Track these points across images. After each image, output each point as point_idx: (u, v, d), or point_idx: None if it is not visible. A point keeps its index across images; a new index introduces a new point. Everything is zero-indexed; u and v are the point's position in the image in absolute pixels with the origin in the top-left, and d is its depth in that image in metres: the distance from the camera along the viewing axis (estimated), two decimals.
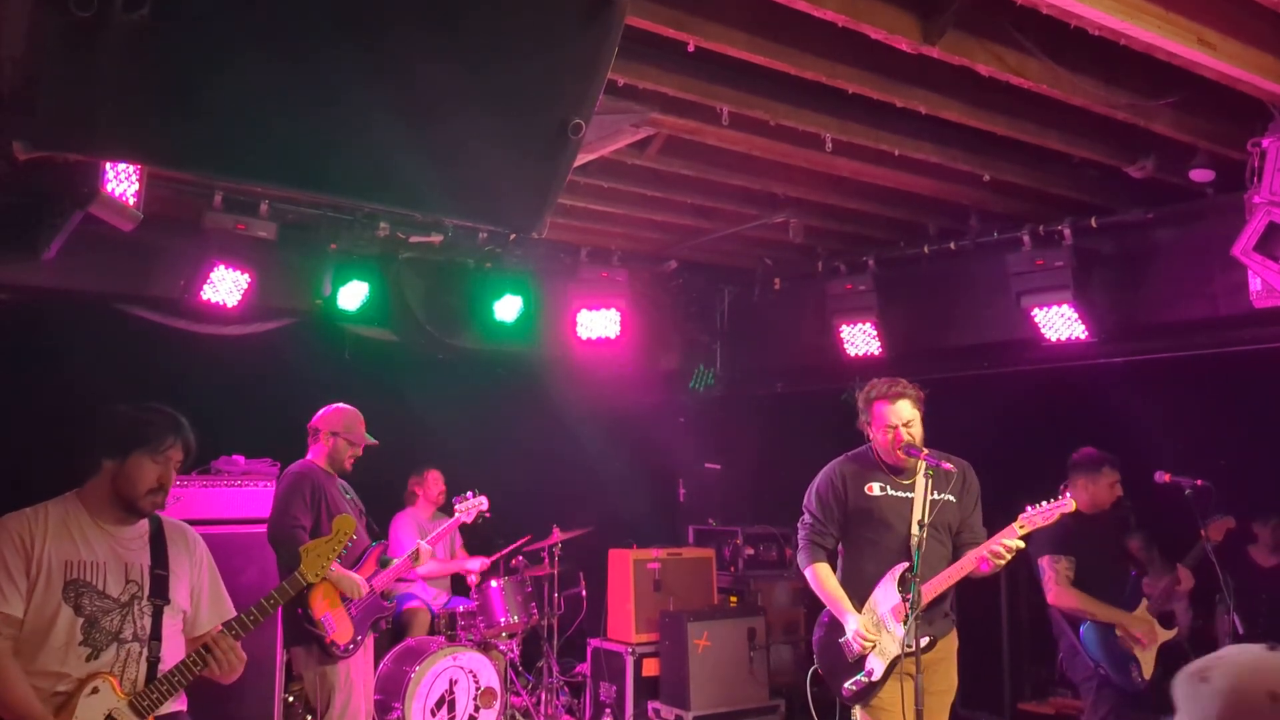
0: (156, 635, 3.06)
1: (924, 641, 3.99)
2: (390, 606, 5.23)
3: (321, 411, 5.09)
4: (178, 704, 3.14)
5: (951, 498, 4.11)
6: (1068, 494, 4.05)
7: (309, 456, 5.04)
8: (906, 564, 4.00)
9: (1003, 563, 3.97)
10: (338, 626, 4.74)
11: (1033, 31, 3.69)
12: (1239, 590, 4.84)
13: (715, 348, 8.35)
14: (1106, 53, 3.68)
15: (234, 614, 3.24)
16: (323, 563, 3.33)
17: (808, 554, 4.19)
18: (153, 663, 3.04)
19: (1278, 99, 4.06)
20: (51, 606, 2.92)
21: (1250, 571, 5.62)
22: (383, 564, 5.07)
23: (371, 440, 5.09)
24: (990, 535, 4.07)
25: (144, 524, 3.17)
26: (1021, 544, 3.96)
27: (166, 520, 3.26)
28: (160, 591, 3.10)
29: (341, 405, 5.10)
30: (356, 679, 4.87)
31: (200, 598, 3.28)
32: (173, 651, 3.11)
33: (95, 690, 2.92)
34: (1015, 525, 3.98)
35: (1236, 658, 1.30)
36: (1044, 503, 4.00)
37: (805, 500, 4.30)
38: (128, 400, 3.23)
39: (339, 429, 5.01)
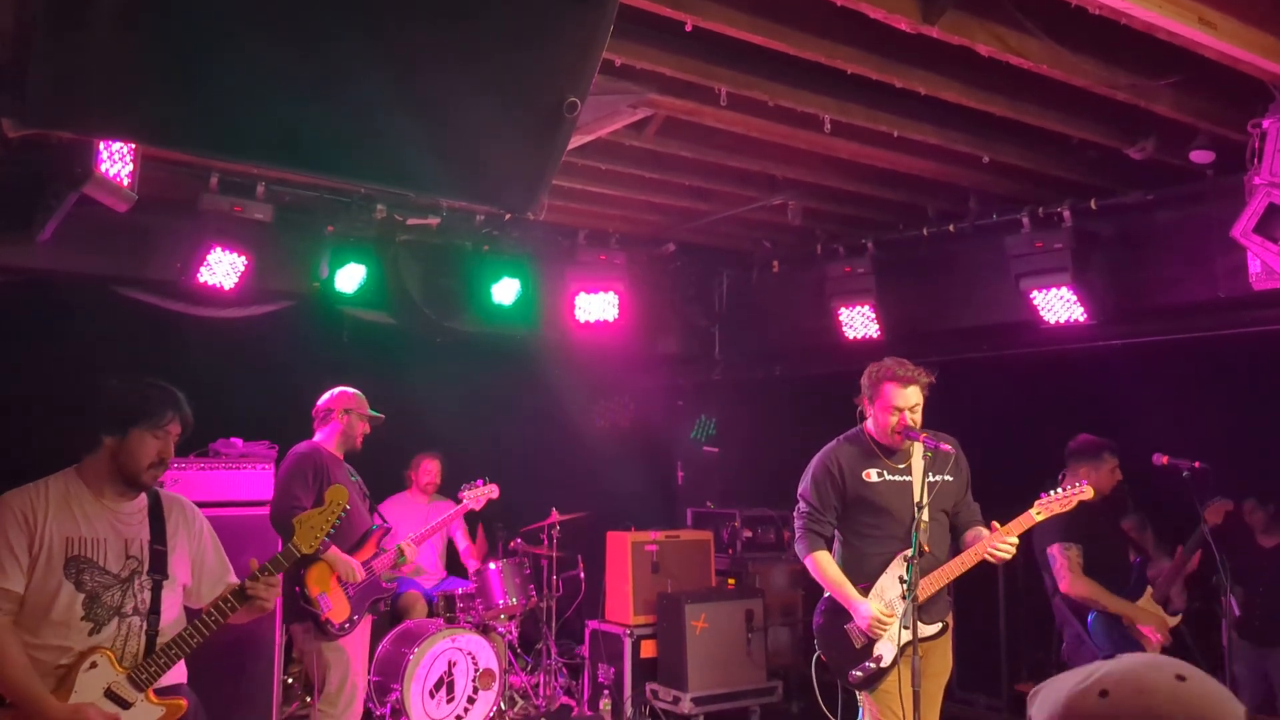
0: (156, 609, 3.10)
1: (936, 628, 4.04)
2: (390, 588, 5.25)
3: (328, 394, 5.18)
4: (177, 676, 3.18)
5: (949, 478, 4.09)
6: (1082, 481, 4.03)
7: (316, 439, 5.09)
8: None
9: (1007, 558, 3.97)
10: (333, 605, 4.78)
11: (1033, 11, 3.66)
12: (1242, 571, 4.83)
13: (714, 331, 8.34)
14: (1107, 33, 3.65)
15: (238, 580, 3.25)
16: (316, 534, 3.32)
17: (806, 543, 4.16)
18: (152, 636, 3.07)
19: (1278, 79, 4.04)
20: (53, 582, 2.95)
21: (1251, 552, 5.64)
22: (382, 550, 5.09)
23: (377, 414, 5.21)
24: (991, 519, 4.07)
25: (143, 499, 3.20)
26: (1016, 541, 3.97)
27: (164, 494, 3.29)
28: (159, 567, 3.13)
29: (345, 387, 5.21)
30: (353, 657, 4.91)
31: (203, 568, 3.31)
32: (172, 625, 3.15)
33: (94, 665, 2.95)
34: (1032, 511, 3.96)
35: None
36: (1060, 489, 3.97)
37: (800, 488, 4.26)
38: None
39: (351, 405, 5.13)
